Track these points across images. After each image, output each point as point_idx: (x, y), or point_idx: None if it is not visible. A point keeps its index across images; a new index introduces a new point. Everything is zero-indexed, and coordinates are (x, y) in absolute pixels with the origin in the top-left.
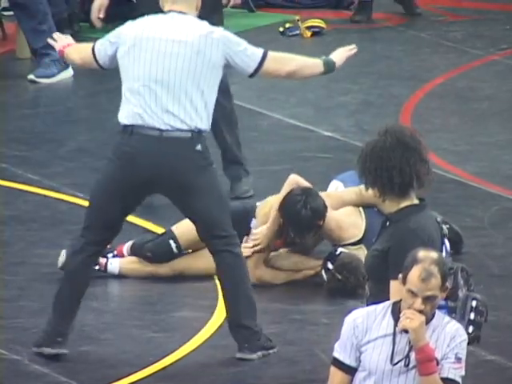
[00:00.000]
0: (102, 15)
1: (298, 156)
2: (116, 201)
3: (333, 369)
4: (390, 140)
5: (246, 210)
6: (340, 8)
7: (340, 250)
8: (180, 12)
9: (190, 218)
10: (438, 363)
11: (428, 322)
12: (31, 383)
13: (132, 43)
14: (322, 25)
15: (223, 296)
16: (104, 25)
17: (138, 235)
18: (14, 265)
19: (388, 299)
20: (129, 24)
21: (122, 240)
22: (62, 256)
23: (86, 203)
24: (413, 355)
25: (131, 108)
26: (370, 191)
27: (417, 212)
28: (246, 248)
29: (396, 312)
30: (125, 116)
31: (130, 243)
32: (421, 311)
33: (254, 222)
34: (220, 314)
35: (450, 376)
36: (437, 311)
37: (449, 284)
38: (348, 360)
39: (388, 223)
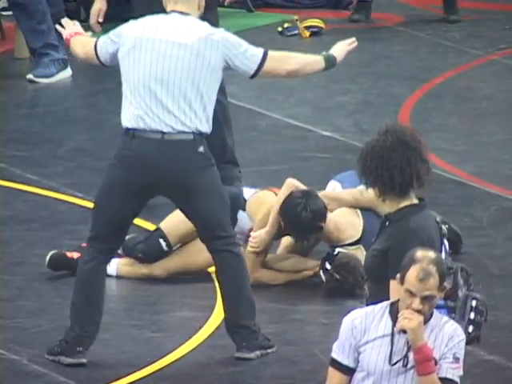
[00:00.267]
0: (101, 19)
1: (297, 156)
2: (121, 204)
3: (331, 369)
4: (390, 139)
5: (232, 199)
6: (339, 8)
7: (338, 250)
8: (182, 12)
9: (191, 219)
10: (436, 363)
11: (426, 321)
12: (30, 383)
13: (133, 44)
14: (321, 25)
15: (222, 296)
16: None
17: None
18: (13, 265)
19: (387, 299)
20: (130, 24)
21: None
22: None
23: (85, 203)
24: (411, 355)
25: (132, 110)
26: (368, 193)
27: (416, 212)
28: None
29: (394, 312)
30: (127, 119)
31: None
32: (419, 311)
33: (242, 215)
34: (219, 314)
35: (449, 376)
36: (435, 311)
37: (447, 284)
38: (346, 361)
39: (387, 223)
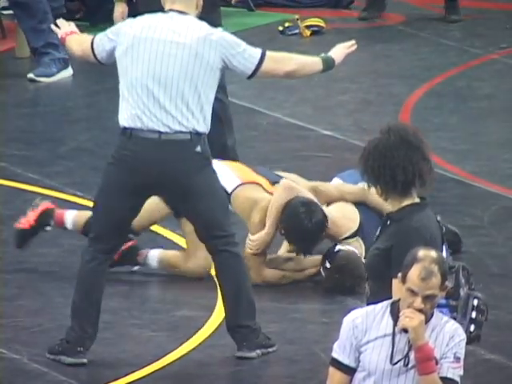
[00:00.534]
0: None
1: (297, 155)
2: (119, 204)
3: (332, 369)
4: (393, 138)
5: None
6: (339, 7)
7: (338, 247)
8: (180, 12)
9: (189, 219)
10: (436, 363)
11: (427, 321)
12: (30, 382)
13: (130, 43)
14: (322, 24)
15: (222, 296)
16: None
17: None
18: (13, 264)
19: (388, 298)
20: (128, 22)
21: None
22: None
23: (85, 202)
24: (412, 355)
25: (130, 110)
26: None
27: (418, 211)
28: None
29: (395, 312)
30: (124, 118)
31: None
32: (420, 310)
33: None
34: (219, 313)
35: (449, 375)
36: (435, 311)
37: (448, 283)
38: (347, 360)
39: (389, 222)
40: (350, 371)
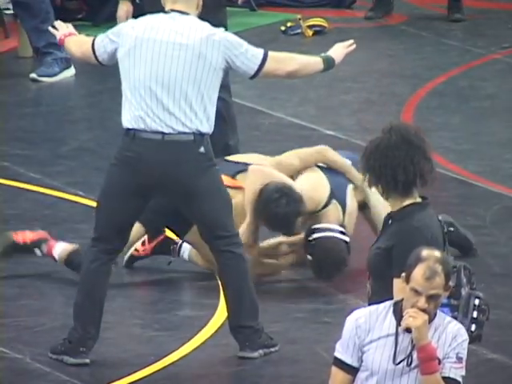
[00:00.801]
0: None
1: None
2: (122, 205)
3: (334, 369)
4: (394, 138)
5: None
6: (342, 7)
7: (314, 236)
8: (181, 12)
9: (192, 219)
10: (439, 362)
11: (430, 321)
12: (33, 382)
13: (133, 44)
14: (324, 24)
15: (225, 296)
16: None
17: None
18: (15, 263)
19: (390, 297)
20: (130, 23)
21: None
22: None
23: (87, 202)
24: (415, 354)
25: (133, 111)
26: (308, 151)
27: (420, 210)
28: None
29: (398, 312)
30: (127, 119)
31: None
32: (424, 310)
33: None
34: (222, 313)
35: (451, 375)
36: (438, 311)
37: (452, 283)
38: (350, 360)
39: (390, 221)
40: (352, 371)
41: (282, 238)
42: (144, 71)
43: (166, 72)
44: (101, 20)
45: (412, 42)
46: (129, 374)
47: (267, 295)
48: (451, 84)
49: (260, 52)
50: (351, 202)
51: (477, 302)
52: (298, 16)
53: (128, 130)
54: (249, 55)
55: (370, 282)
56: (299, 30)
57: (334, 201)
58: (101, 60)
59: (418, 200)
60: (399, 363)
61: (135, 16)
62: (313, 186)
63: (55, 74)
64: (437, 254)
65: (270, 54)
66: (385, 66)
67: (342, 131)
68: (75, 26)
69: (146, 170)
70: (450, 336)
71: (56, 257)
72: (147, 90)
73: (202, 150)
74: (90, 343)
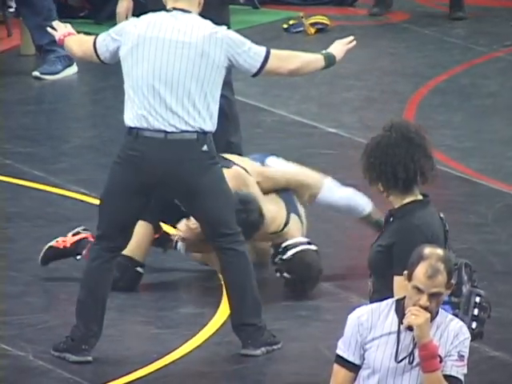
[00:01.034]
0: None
1: (302, 152)
2: (124, 203)
3: (336, 366)
4: (394, 135)
5: None
6: (344, 5)
7: (288, 254)
8: (183, 10)
9: (195, 217)
10: (441, 360)
11: (432, 319)
12: (35, 379)
13: (135, 43)
14: (326, 21)
15: (227, 294)
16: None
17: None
18: (18, 261)
19: (392, 295)
20: (132, 21)
21: None
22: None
23: (90, 199)
24: (417, 352)
25: (136, 110)
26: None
27: (420, 208)
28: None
29: (400, 309)
30: (130, 118)
31: None
32: (426, 308)
33: None
34: (224, 311)
35: (453, 373)
36: (440, 309)
37: (453, 280)
38: (352, 357)
39: (392, 219)
40: (354, 368)
41: None
42: (147, 69)
43: (168, 70)
44: (103, 18)
45: (414, 39)
46: (131, 372)
47: (269, 293)
48: (453, 82)
49: (262, 50)
50: (303, 214)
51: (478, 299)
52: (301, 14)
53: (131, 128)
54: (251, 53)
55: (371, 280)
56: (301, 28)
57: (292, 215)
58: (103, 59)
59: (419, 197)
60: (401, 361)
61: (137, 14)
62: (274, 207)
63: (58, 72)
64: (439, 252)
65: (273, 51)
66: (387, 64)
67: (344, 129)
68: (78, 24)
69: (149, 169)
70: (451, 334)
71: None
72: (150, 88)
73: (205, 148)
74: (92, 341)
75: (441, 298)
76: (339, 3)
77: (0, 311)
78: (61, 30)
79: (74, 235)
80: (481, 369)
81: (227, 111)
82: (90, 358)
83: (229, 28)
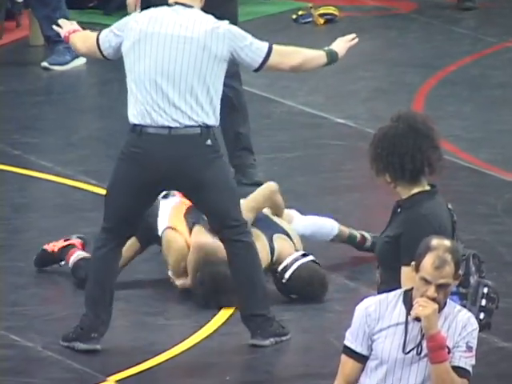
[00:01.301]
0: (138, 9)
1: (311, 143)
2: (131, 199)
3: (344, 357)
4: (402, 126)
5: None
6: None
7: (286, 276)
8: (184, 5)
9: (201, 210)
10: (449, 351)
11: (440, 310)
12: (44, 370)
13: (137, 37)
14: (335, 12)
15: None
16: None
17: None
18: (27, 252)
19: (399, 286)
20: (134, 17)
21: None
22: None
23: (98, 190)
24: (425, 343)
25: (139, 106)
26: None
27: (428, 198)
28: None
29: (408, 300)
30: (133, 115)
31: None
32: (433, 299)
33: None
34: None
35: (461, 364)
36: (448, 300)
37: (461, 271)
38: (360, 348)
39: (399, 210)
40: (362, 359)
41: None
42: (149, 64)
43: (171, 65)
44: (112, 9)
45: (423, 30)
46: (140, 362)
47: None
48: (462, 72)
49: (265, 45)
50: (287, 227)
51: (485, 290)
52: (310, 5)
53: (134, 125)
54: (253, 48)
55: (379, 271)
56: (310, 19)
57: (275, 237)
58: (106, 54)
59: (427, 188)
60: (409, 352)
61: (143, 7)
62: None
63: (66, 63)
64: (446, 243)
65: (275, 47)
66: (396, 55)
67: (353, 119)
68: (87, 15)
69: (153, 166)
70: (459, 325)
71: (69, 265)
72: (152, 83)
73: (208, 142)
74: (101, 329)
75: (448, 289)
76: None
77: (8, 302)
78: (66, 26)
79: (65, 240)
80: (489, 360)
81: (235, 102)
82: (98, 347)
83: (237, 20)
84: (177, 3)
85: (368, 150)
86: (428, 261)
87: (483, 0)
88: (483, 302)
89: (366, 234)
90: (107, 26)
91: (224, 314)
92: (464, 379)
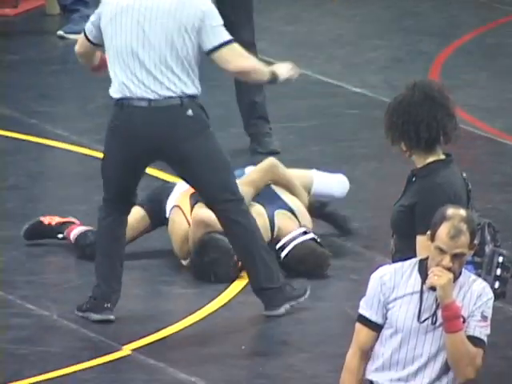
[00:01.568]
0: None
1: (327, 112)
2: (120, 171)
3: (358, 325)
4: (417, 94)
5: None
6: None
7: (282, 254)
8: None
9: (192, 186)
10: (464, 321)
11: (455, 279)
12: (59, 338)
13: (114, 12)
14: None
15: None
16: None
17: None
18: None
19: (414, 255)
20: None
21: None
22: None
23: None
24: (440, 313)
25: (118, 80)
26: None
27: (443, 167)
28: None
29: (423, 270)
30: (114, 90)
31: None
32: (449, 268)
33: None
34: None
35: (476, 334)
36: (463, 269)
37: (476, 240)
38: (374, 317)
39: (414, 179)
40: (376, 328)
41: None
42: (125, 37)
43: (145, 36)
44: None
45: None
46: (156, 331)
47: None
48: (479, 41)
49: (227, 36)
50: (293, 203)
51: (500, 259)
52: None
53: (116, 100)
54: (216, 31)
55: (393, 240)
56: None
57: (276, 212)
58: (92, 38)
59: (442, 157)
60: (424, 321)
61: None
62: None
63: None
64: (462, 212)
65: (235, 44)
66: (412, 24)
67: (369, 89)
68: None
69: (135, 138)
70: (474, 294)
71: (72, 240)
72: (129, 56)
73: (189, 113)
74: (114, 298)
75: (464, 258)
76: None
77: (24, 271)
78: None
79: (62, 218)
80: (505, 329)
81: None
82: (112, 317)
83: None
84: None
85: (383, 119)
86: (443, 230)
87: None
88: (498, 271)
89: None
90: None
91: (240, 283)
92: (479, 349)
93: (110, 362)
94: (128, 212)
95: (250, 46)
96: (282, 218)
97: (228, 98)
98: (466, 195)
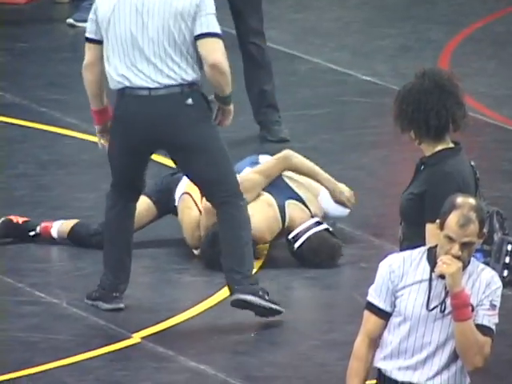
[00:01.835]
0: None
1: (336, 100)
2: (124, 159)
3: (367, 313)
4: (427, 82)
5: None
6: None
7: (296, 246)
8: None
9: (192, 180)
10: (473, 309)
11: (464, 268)
12: (69, 326)
13: (113, 2)
14: None
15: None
16: None
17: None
18: (53, 209)
19: (422, 243)
20: None
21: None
22: None
23: None
24: (448, 301)
25: (118, 71)
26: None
27: (452, 156)
28: None
29: (432, 258)
30: (113, 84)
31: (59, 225)
32: (458, 257)
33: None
34: (258, 259)
35: (485, 323)
36: (472, 258)
37: (485, 230)
38: (383, 304)
39: (423, 167)
40: (385, 316)
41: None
42: (125, 25)
43: (144, 26)
44: None
45: None
46: (165, 319)
47: None
48: (488, 30)
49: (217, 29)
50: (302, 192)
51: (509, 247)
52: None
53: (117, 90)
54: (209, 20)
55: (402, 228)
56: None
57: (287, 203)
58: (93, 36)
59: (451, 145)
60: (433, 309)
61: None
62: (263, 215)
63: None
64: (471, 201)
65: (221, 40)
66: (421, 12)
67: (378, 77)
68: None
69: (135, 128)
70: (483, 283)
71: (54, 233)
72: (129, 43)
73: (189, 101)
74: (121, 288)
75: (473, 247)
76: None
77: (34, 259)
78: None
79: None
80: None
81: (259, 59)
82: (121, 306)
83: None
84: None
85: (393, 107)
86: (453, 219)
87: None
88: (507, 260)
89: None
90: None
91: None
92: (487, 337)
93: (120, 349)
94: (135, 200)
95: (258, 35)
96: (293, 208)
97: (237, 86)
98: (475, 183)
